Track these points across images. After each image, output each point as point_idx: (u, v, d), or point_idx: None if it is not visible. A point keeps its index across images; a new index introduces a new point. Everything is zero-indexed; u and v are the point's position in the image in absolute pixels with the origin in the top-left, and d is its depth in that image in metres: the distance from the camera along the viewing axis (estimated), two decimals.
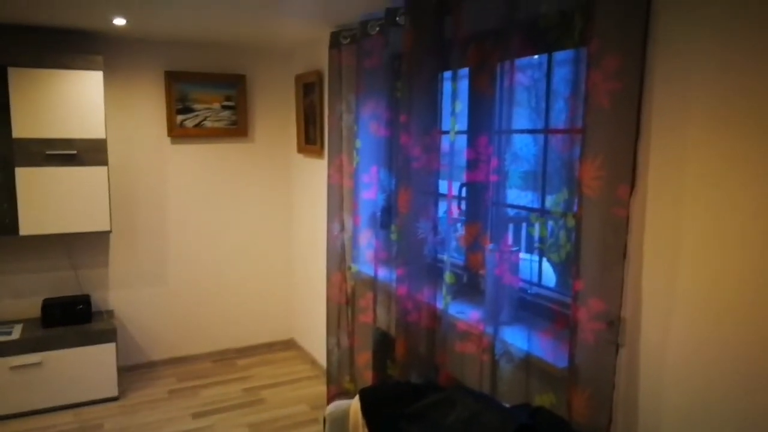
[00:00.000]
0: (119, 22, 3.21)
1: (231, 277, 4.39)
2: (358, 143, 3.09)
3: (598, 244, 1.77)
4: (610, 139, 1.71)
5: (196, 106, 4.07)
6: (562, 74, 2.07)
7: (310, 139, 3.97)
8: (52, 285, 3.85)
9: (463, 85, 2.38)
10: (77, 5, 2.85)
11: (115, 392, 3.65)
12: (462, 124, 2.42)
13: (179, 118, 4.03)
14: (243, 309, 4.46)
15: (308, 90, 3.95)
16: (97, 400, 3.61)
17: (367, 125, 3.08)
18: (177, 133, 4.04)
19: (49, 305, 3.62)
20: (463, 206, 2.60)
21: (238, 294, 4.43)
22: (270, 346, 4.56)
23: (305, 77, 3.97)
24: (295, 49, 4.20)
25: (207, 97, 4.09)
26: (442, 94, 2.55)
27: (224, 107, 4.16)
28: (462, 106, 2.38)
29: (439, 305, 2.50)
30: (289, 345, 4.61)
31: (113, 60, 3.86)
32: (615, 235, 1.72)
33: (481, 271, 2.47)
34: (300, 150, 4.17)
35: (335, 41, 3.26)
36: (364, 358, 3.19)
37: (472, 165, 2.40)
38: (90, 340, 3.56)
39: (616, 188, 1.70)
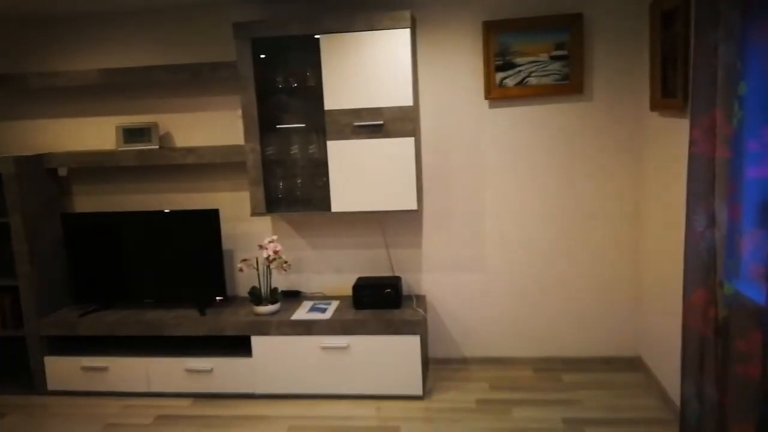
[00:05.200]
0: None
1: (561, 271, 3.55)
2: (743, 88, 1.89)
3: None
4: None
5: (519, 60, 3.31)
6: None
7: (668, 90, 2.81)
8: (367, 263, 3.68)
9: None
10: None
11: (419, 391, 3.27)
12: None
13: (498, 76, 3.34)
14: (575, 311, 3.58)
15: (668, 21, 2.78)
16: (400, 396, 3.29)
17: (760, 58, 1.86)
18: (496, 94, 3.36)
19: (360, 286, 3.43)
20: None
21: (569, 292, 3.57)
22: (607, 362, 3.58)
23: (664, 2, 2.80)
24: None
25: (532, 47, 3.29)
26: None
27: (553, 58, 3.29)
28: None
29: None
30: (633, 365, 3.55)
31: (422, 16, 3.39)
32: None
33: None
34: (654, 107, 3.02)
35: None
36: (743, 430, 2.03)
37: None
38: (396, 329, 3.24)
39: None
